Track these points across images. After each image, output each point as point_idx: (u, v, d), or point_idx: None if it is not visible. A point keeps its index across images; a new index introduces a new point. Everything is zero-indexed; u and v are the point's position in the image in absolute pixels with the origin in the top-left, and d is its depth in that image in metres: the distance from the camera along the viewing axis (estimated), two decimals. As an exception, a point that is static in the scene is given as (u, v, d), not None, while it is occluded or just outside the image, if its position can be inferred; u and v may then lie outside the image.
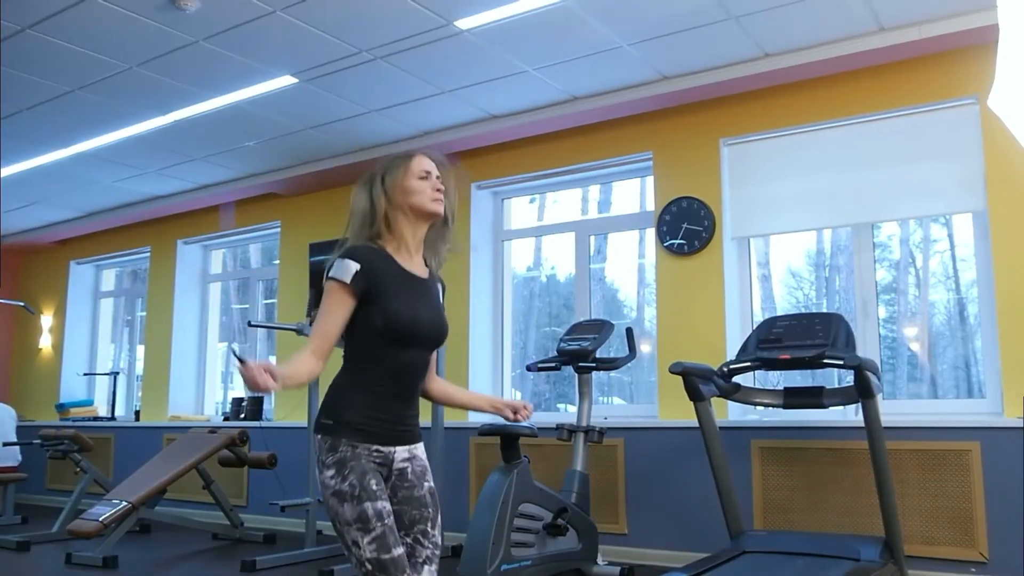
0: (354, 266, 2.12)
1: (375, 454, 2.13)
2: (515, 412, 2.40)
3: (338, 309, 2.14)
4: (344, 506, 2.07)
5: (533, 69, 4.38)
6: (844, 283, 4.79)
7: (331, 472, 2.10)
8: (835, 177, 4.34)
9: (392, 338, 2.14)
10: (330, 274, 2.14)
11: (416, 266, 2.26)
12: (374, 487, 2.09)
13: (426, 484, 2.24)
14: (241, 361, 1.91)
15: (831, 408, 3.63)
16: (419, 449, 2.26)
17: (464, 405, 2.47)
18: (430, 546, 2.22)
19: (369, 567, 2.05)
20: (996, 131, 3.78)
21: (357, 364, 2.18)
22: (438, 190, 2.24)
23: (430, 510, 2.23)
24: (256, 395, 5.90)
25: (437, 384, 2.39)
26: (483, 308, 5.48)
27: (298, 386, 2.14)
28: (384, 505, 2.10)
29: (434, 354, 2.30)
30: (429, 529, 2.22)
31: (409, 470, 2.21)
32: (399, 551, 2.09)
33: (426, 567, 2.20)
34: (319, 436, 2.14)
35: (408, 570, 2.10)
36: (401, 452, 2.20)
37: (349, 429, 2.11)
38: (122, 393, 7.70)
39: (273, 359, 6.76)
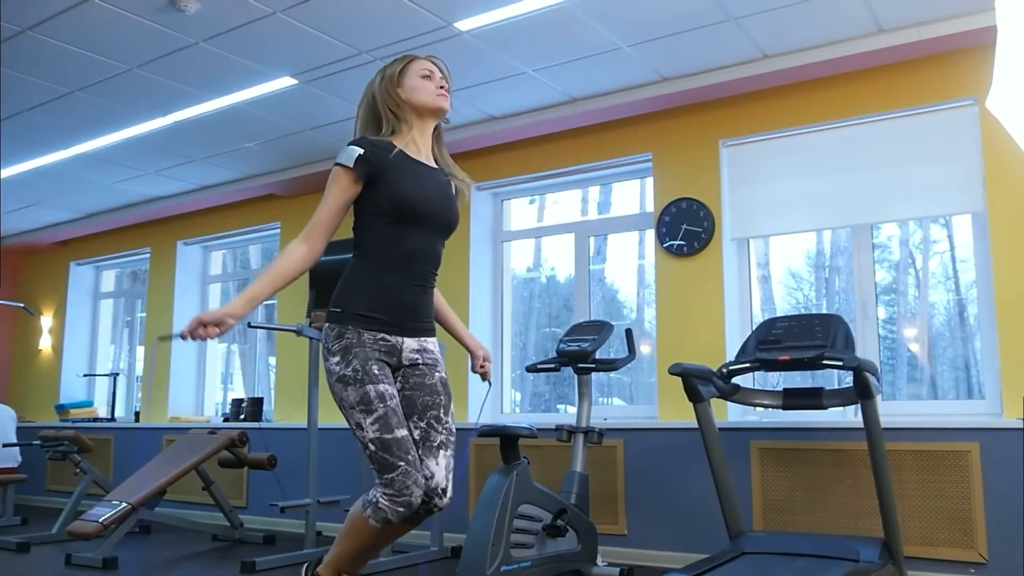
0: (357, 151, 2.16)
1: (381, 342, 2.14)
2: (485, 360, 2.60)
3: (338, 193, 2.17)
4: (348, 390, 2.09)
5: (532, 70, 4.39)
6: (844, 284, 4.80)
7: (336, 358, 2.12)
8: (834, 178, 4.35)
9: (399, 216, 2.16)
10: (336, 160, 2.18)
11: (424, 158, 2.28)
12: (376, 371, 2.11)
13: (437, 374, 2.27)
14: (181, 337, 1.95)
15: (830, 409, 3.63)
16: (430, 343, 2.29)
17: (449, 328, 2.54)
18: (444, 431, 2.24)
19: (372, 447, 2.07)
20: (995, 132, 3.78)
21: (366, 252, 2.19)
22: (441, 87, 2.28)
23: (442, 397, 2.27)
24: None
25: (436, 295, 2.41)
26: (483, 309, 5.48)
27: (286, 284, 2.15)
28: (387, 388, 2.12)
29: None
30: (442, 415, 2.24)
31: (420, 360, 2.24)
32: (402, 432, 2.10)
33: (441, 451, 2.23)
34: (327, 324, 2.17)
35: (412, 452, 2.11)
36: (410, 343, 2.21)
37: (356, 317, 2.13)
38: (122, 394, 7.70)
39: (273, 361, 6.76)
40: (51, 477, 7.38)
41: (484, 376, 2.64)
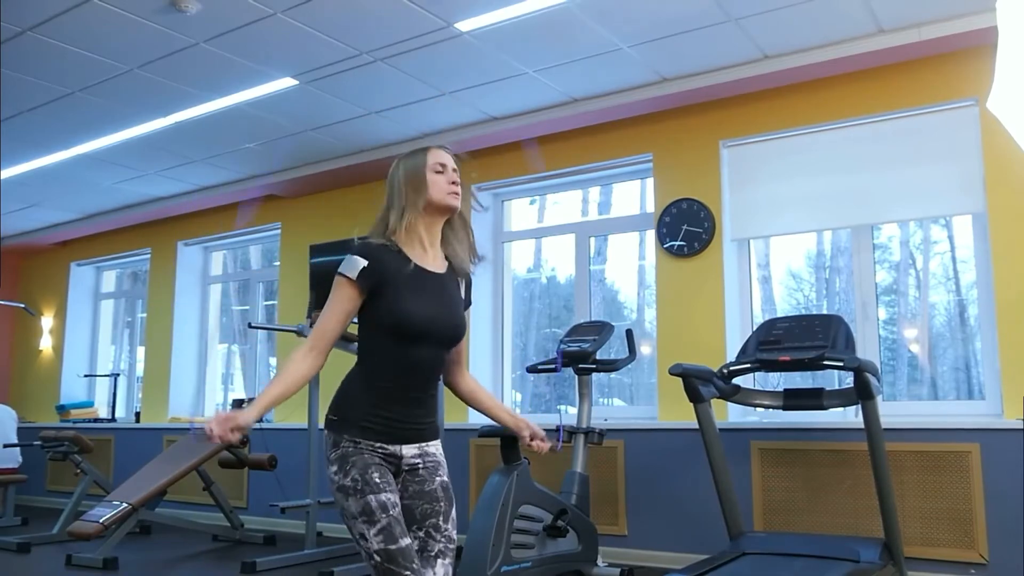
0: (361, 263, 2.11)
1: (379, 451, 2.12)
2: (532, 438, 2.34)
3: (341, 305, 2.13)
4: (349, 500, 2.07)
5: (533, 71, 4.39)
6: (844, 285, 4.80)
7: (334, 468, 2.10)
8: (835, 179, 4.35)
9: (401, 335, 2.12)
10: (339, 270, 2.14)
11: (431, 261, 2.21)
12: (377, 480, 2.08)
13: (438, 479, 2.21)
14: (202, 431, 1.96)
15: (831, 409, 3.63)
16: (432, 447, 2.21)
17: (488, 412, 2.36)
18: (442, 540, 2.19)
19: (378, 558, 2.05)
20: (995, 133, 3.78)
21: (368, 361, 2.17)
22: (453, 183, 2.22)
23: (442, 504, 2.21)
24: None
25: (467, 382, 2.33)
26: (483, 310, 5.48)
27: (294, 393, 2.14)
28: (388, 497, 2.08)
29: (461, 351, 2.25)
30: (441, 523, 2.19)
31: (420, 466, 2.19)
32: (406, 541, 2.07)
33: (439, 560, 2.18)
34: (326, 432, 2.15)
35: (416, 560, 2.09)
36: (410, 450, 2.17)
37: (352, 426, 2.11)
38: (122, 395, 7.70)
39: (273, 360, 6.76)
40: (51, 478, 7.38)
41: (544, 447, 2.40)
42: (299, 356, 2.11)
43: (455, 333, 2.21)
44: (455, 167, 2.23)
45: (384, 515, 2.06)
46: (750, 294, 4.66)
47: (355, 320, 2.15)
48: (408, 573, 2.05)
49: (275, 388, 2.09)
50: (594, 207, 5.61)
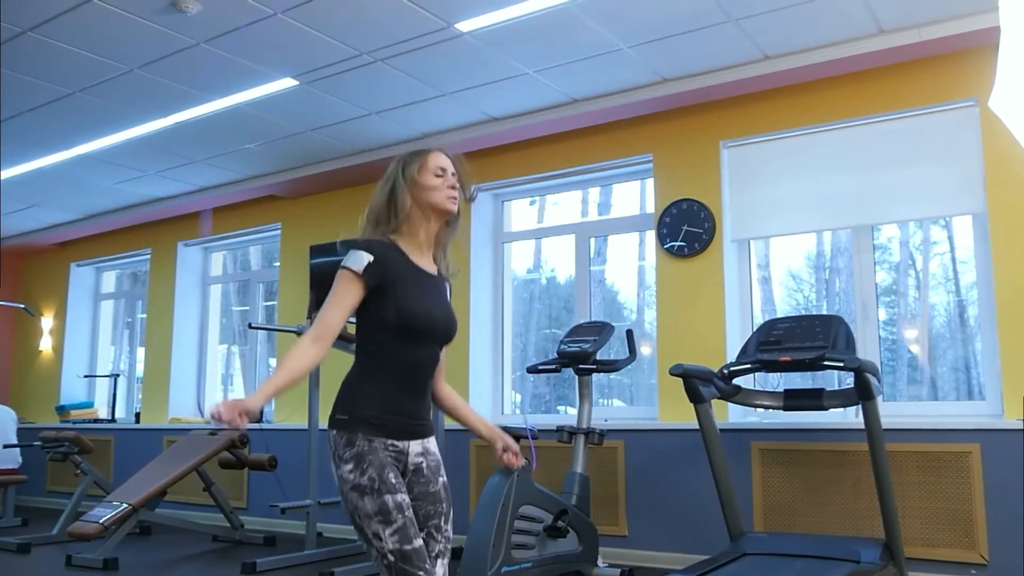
0: (367, 257, 2.13)
1: (390, 448, 2.14)
2: (505, 450, 2.43)
3: (345, 297, 2.15)
4: (364, 499, 2.08)
5: (533, 71, 4.39)
6: (844, 285, 4.80)
7: (349, 467, 2.11)
8: (835, 179, 4.35)
9: (404, 332, 2.15)
10: (343, 263, 2.16)
11: (427, 263, 2.27)
12: (393, 480, 2.10)
13: (440, 479, 2.25)
14: (214, 417, 1.96)
15: (831, 410, 3.63)
16: (432, 443, 2.27)
17: (465, 422, 2.42)
18: (443, 540, 2.23)
19: (392, 558, 2.07)
20: (996, 133, 3.79)
21: (370, 359, 2.19)
22: (452, 187, 2.25)
23: (443, 505, 2.25)
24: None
25: (446, 391, 2.38)
26: (483, 310, 5.48)
27: (298, 381, 2.15)
28: (404, 498, 2.11)
29: (443, 357, 2.30)
30: (442, 524, 2.23)
31: (424, 465, 2.22)
32: (419, 542, 2.10)
33: (439, 560, 2.22)
34: (334, 432, 2.15)
35: (428, 561, 2.12)
36: (415, 446, 2.21)
37: (365, 424, 2.13)
38: (122, 395, 7.70)
39: (273, 361, 6.76)
40: (51, 478, 7.38)
41: (514, 462, 2.46)
42: (303, 346, 2.13)
43: (451, 332, 2.26)
44: (455, 171, 2.27)
45: (400, 516, 2.08)
46: (750, 294, 4.66)
47: (352, 320, 2.16)
48: (421, 574, 2.08)
49: (280, 376, 2.11)
50: (594, 207, 5.61)
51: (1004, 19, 1.90)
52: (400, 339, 2.15)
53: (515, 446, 2.42)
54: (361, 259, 2.13)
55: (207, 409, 2.00)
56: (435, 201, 2.23)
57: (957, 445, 3.73)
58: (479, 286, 5.48)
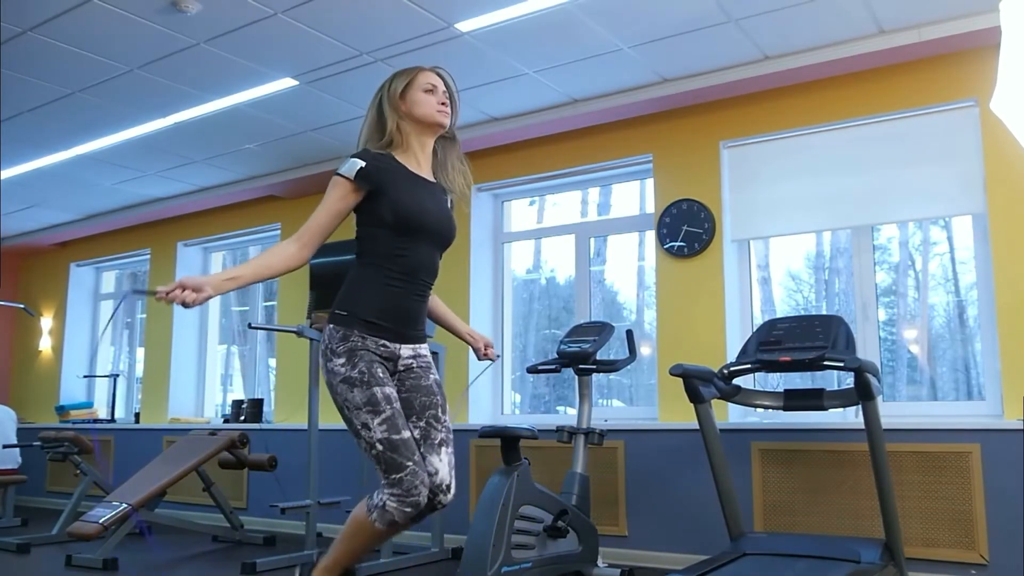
0: (359, 163, 2.23)
1: (382, 347, 2.21)
2: (487, 347, 2.73)
3: (336, 201, 2.24)
4: (354, 391, 2.15)
5: (533, 72, 4.39)
6: (844, 286, 4.80)
7: (342, 360, 2.17)
8: (835, 180, 4.35)
9: (400, 230, 2.23)
10: (336, 170, 2.24)
11: (424, 172, 2.35)
12: (380, 374, 2.19)
13: (432, 375, 2.37)
14: (151, 293, 1.99)
15: (831, 410, 3.63)
16: (423, 348, 2.40)
17: (447, 326, 2.64)
18: (443, 429, 2.34)
19: (380, 447, 2.13)
20: (996, 133, 3.79)
21: (371, 259, 2.27)
22: (443, 103, 2.34)
23: (438, 397, 2.34)
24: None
25: (433, 298, 2.49)
26: (483, 311, 5.48)
27: (268, 277, 2.19)
28: (391, 391, 2.20)
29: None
30: (440, 414, 2.34)
31: (415, 365, 2.32)
32: (407, 434, 2.17)
33: (443, 448, 2.31)
34: (331, 326, 2.23)
35: (417, 453, 2.17)
36: (406, 350, 2.30)
37: (362, 322, 2.20)
38: (122, 395, 7.69)
39: (273, 362, 6.76)
40: (51, 478, 7.38)
41: (492, 359, 2.78)
42: (283, 244, 2.22)
43: (449, 234, 2.37)
44: (446, 89, 2.39)
45: (388, 407, 2.16)
46: (750, 295, 4.66)
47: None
48: (410, 464, 2.15)
49: (252, 265, 2.22)
50: (594, 208, 5.61)
51: (1004, 20, 1.90)
52: (397, 238, 2.25)
53: (488, 340, 2.77)
54: (352, 165, 2.24)
55: (163, 286, 1.99)
56: (423, 113, 2.34)
57: (957, 445, 3.73)
58: (479, 286, 5.48)
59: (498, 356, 2.90)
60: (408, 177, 2.29)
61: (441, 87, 2.39)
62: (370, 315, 2.22)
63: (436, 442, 2.30)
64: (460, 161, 2.46)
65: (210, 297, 2.03)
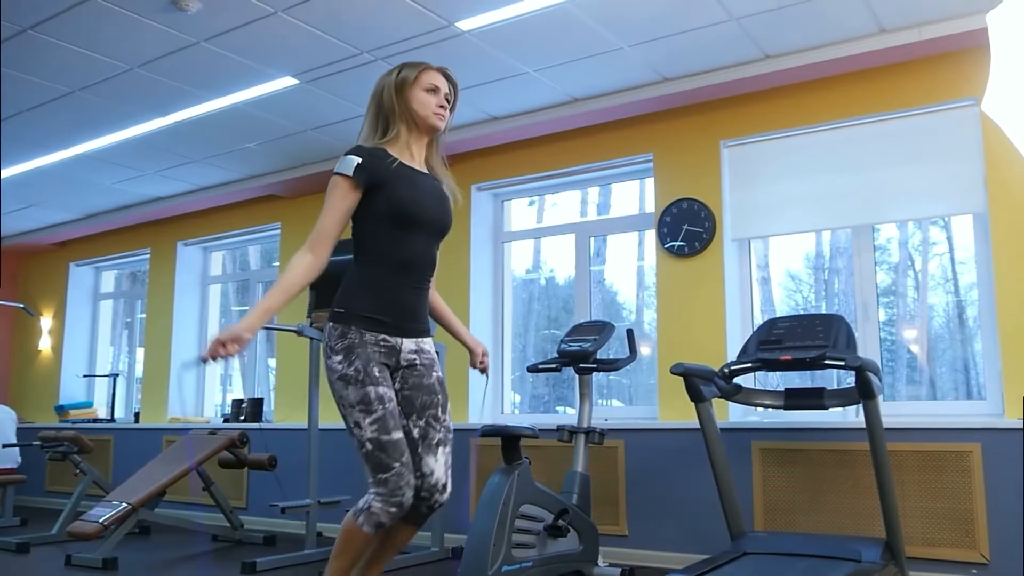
0: (355, 159, 2.25)
1: (382, 343, 2.21)
2: (484, 355, 2.72)
3: (339, 201, 2.26)
4: (348, 389, 2.16)
5: (533, 71, 4.39)
6: (843, 286, 4.80)
7: (339, 357, 2.19)
8: (835, 179, 4.35)
9: (396, 221, 2.24)
10: (334, 170, 2.26)
11: (418, 165, 2.37)
12: (376, 373, 2.19)
13: (435, 374, 2.37)
14: (203, 361, 2.02)
15: (832, 409, 3.63)
16: (427, 343, 2.38)
17: (448, 327, 2.63)
18: (442, 429, 2.33)
19: (369, 447, 2.14)
20: (996, 133, 3.78)
21: (368, 255, 2.29)
22: (441, 106, 2.35)
23: (439, 396, 2.34)
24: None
25: (436, 296, 2.51)
26: (483, 310, 5.48)
27: (296, 295, 2.22)
28: (386, 391, 2.20)
29: (439, 261, 2.42)
30: (439, 414, 2.33)
31: (418, 361, 2.32)
32: (398, 435, 2.17)
33: (440, 448, 2.31)
34: (331, 324, 2.24)
35: (406, 454, 2.17)
36: (408, 344, 2.29)
37: (359, 318, 2.22)
38: (121, 395, 7.69)
39: (272, 362, 6.75)
40: (51, 478, 7.37)
41: (483, 371, 2.75)
42: (297, 257, 2.24)
43: (445, 223, 2.38)
44: (448, 91, 2.39)
45: (380, 407, 2.17)
46: (751, 294, 4.66)
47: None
48: (396, 466, 2.15)
49: (276, 295, 2.22)
50: (594, 207, 5.60)
51: (992, 25, 1.91)
52: (393, 230, 2.26)
53: (488, 355, 2.77)
54: (350, 162, 2.25)
55: (204, 351, 2.06)
56: (421, 115, 2.35)
57: (958, 444, 3.73)
58: (478, 286, 5.47)
59: (488, 379, 2.99)
60: (404, 169, 2.31)
61: (444, 90, 2.39)
62: (367, 311, 2.22)
63: (434, 442, 2.30)
64: (443, 165, 2.47)
65: (250, 339, 2.12)
